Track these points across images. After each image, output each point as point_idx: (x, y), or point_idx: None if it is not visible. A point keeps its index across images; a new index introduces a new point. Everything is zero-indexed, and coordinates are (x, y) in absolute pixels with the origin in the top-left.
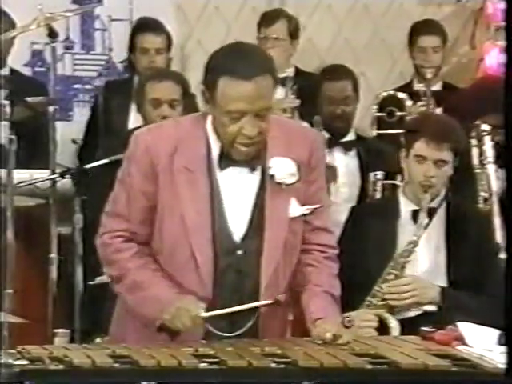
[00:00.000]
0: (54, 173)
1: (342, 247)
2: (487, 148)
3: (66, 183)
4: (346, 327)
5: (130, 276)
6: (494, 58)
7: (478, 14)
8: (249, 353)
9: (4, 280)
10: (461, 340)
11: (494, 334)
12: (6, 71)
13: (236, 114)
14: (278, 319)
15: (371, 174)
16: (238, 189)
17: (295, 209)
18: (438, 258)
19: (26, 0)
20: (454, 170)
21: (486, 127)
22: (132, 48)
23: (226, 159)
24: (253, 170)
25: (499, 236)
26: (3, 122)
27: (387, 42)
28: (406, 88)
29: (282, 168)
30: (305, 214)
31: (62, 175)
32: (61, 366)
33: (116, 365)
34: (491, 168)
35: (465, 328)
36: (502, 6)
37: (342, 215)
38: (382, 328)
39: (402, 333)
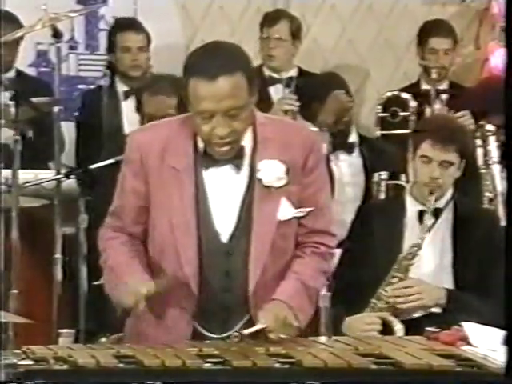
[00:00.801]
0: (58, 173)
1: (349, 247)
2: (492, 148)
3: (70, 183)
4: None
5: (109, 261)
6: (498, 59)
7: (483, 14)
8: (253, 353)
9: (9, 280)
10: (465, 340)
11: (499, 334)
12: (12, 73)
13: (206, 114)
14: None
15: (375, 175)
16: (224, 189)
17: (285, 211)
18: (443, 260)
19: (30, 0)
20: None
21: (490, 127)
22: (111, 48)
23: (210, 158)
24: (238, 169)
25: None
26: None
27: (391, 42)
28: (413, 88)
29: (270, 171)
30: (299, 217)
31: (67, 175)
32: (65, 366)
33: (120, 365)
34: (496, 168)
35: (469, 328)
36: None
37: (347, 215)
38: (387, 332)
39: (407, 333)
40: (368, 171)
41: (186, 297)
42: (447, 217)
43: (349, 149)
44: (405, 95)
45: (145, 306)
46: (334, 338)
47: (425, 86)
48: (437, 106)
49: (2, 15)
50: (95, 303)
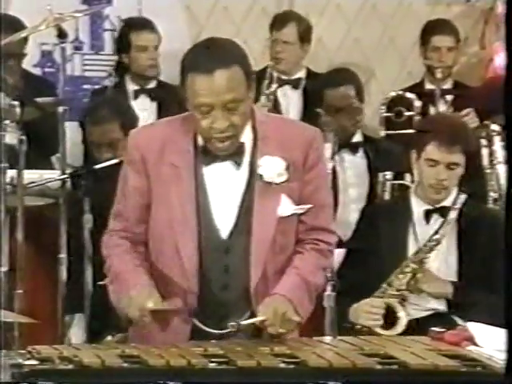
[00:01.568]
0: (63, 173)
1: (354, 247)
2: (497, 148)
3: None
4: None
5: (113, 268)
6: (503, 59)
7: (488, 14)
8: (258, 353)
9: (14, 280)
10: (471, 340)
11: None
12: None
13: (204, 108)
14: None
15: (380, 175)
16: (224, 185)
17: (285, 208)
18: (448, 259)
19: (35, 1)
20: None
21: (495, 127)
22: (123, 48)
23: (210, 155)
24: (238, 165)
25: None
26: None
27: (396, 41)
28: (417, 88)
29: (271, 167)
30: (298, 214)
31: (72, 176)
32: (70, 366)
33: (125, 364)
34: (501, 168)
35: (475, 328)
36: None
37: (351, 215)
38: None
39: (412, 333)
40: (372, 171)
41: (186, 293)
42: (453, 216)
43: (353, 149)
44: (409, 95)
45: (150, 319)
46: (339, 337)
47: (429, 86)
48: (441, 105)
49: (8, 21)
50: (100, 303)
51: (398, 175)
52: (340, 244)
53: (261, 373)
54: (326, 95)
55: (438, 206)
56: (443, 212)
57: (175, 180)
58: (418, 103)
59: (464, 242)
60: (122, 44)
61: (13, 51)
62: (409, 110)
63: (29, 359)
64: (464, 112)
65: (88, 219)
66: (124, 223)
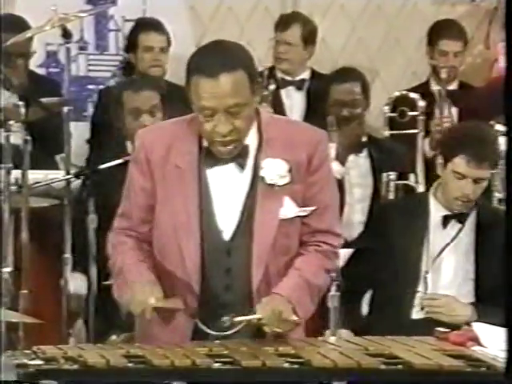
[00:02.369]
0: (68, 173)
1: (367, 245)
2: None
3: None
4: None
5: (117, 264)
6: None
7: (493, 14)
8: (262, 353)
9: (19, 280)
10: (476, 341)
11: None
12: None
13: (207, 112)
14: None
15: (384, 175)
16: (227, 187)
17: (288, 210)
18: (466, 264)
19: (40, 1)
20: None
21: (500, 127)
22: (131, 48)
23: (214, 157)
24: (242, 168)
25: None
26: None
27: (401, 41)
28: (422, 88)
29: (273, 169)
30: (302, 216)
31: (77, 176)
32: (75, 366)
33: (130, 364)
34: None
35: (480, 329)
36: None
37: (356, 215)
38: None
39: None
40: (376, 171)
41: (188, 294)
42: (471, 221)
43: (357, 149)
44: (413, 95)
45: (152, 315)
46: (344, 338)
47: (434, 86)
48: (446, 106)
49: (13, 20)
50: (105, 303)
51: (402, 175)
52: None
53: (265, 373)
54: (332, 90)
55: (456, 212)
56: (461, 218)
57: (179, 181)
58: (421, 103)
59: (481, 248)
60: (130, 44)
61: (19, 51)
62: (413, 110)
63: (34, 359)
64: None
65: (93, 219)
66: (129, 222)
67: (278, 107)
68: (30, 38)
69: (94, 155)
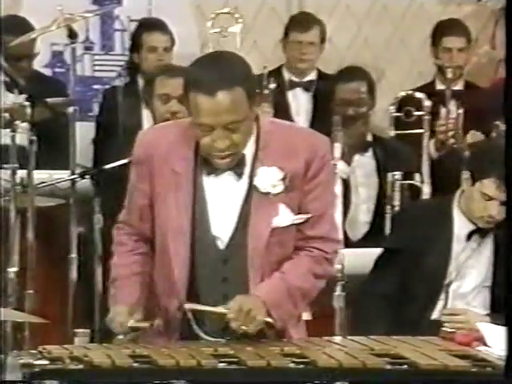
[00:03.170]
0: (73, 173)
1: (391, 246)
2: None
3: (85, 183)
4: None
5: (113, 271)
6: None
7: (499, 14)
8: (268, 353)
9: (24, 280)
10: (481, 341)
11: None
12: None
13: (205, 127)
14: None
15: (389, 175)
16: (224, 195)
17: (283, 218)
18: (484, 273)
19: (46, 1)
20: None
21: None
22: (135, 48)
23: (211, 165)
24: (239, 176)
25: None
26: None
27: (407, 41)
28: (428, 88)
29: (267, 178)
30: (297, 224)
31: (82, 175)
32: (81, 366)
33: (135, 364)
34: None
35: (485, 329)
36: None
37: (361, 215)
38: None
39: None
40: (381, 171)
41: (175, 300)
42: (491, 234)
43: (362, 149)
44: (419, 95)
45: (132, 335)
46: (349, 337)
47: (440, 86)
48: (451, 106)
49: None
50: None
51: (408, 175)
52: (349, 244)
53: (270, 373)
54: (337, 89)
55: (480, 226)
56: (484, 233)
57: (174, 186)
58: (427, 103)
59: (499, 253)
60: (135, 44)
61: (23, 52)
62: (418, 110)
63: (39, 359)
64: None
65: (98, 219)
66: (128, 216)
67: (284, 109)
68: (34, 39)
69: (99, 155)
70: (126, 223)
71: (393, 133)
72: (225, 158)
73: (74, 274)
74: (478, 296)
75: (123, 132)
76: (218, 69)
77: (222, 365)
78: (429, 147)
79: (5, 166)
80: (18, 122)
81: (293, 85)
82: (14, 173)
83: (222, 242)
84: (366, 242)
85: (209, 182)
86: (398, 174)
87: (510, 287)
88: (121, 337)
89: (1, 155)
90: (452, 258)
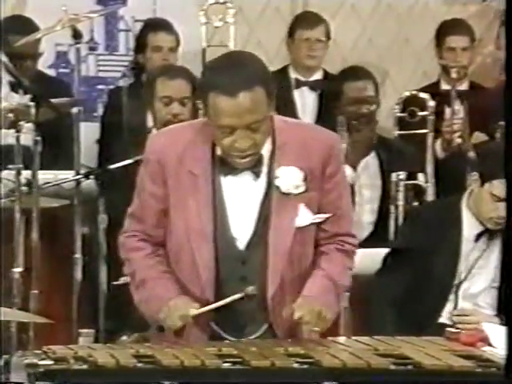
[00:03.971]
0: (78, 173)
1: (400, 246)
2: None
3: (90, 184)
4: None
5: (138, 274)
6: None
7: (504, 14)
8: (272, 353)
9: (29, 280)
10: (486, 341)
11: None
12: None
13: (227, 129)
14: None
15: (393, 175)
16: (242, 196)
17: (304, 218)
18: (497, 274)
19: (50, 1)
20: None
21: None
22: (140, 48)
23: (228, 165)
24: (257, 176)
25: None
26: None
27: (411, 41)
28: (433, 88)
29: (288, 179)
30: (318, 223)
31: (87, 176)
32: (85, 366)
33: (140, 365)
34: None
35: (490, 329)
36: None
37: (365, 216)
38: None
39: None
40: (385, 171)
41: (201, 301)
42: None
43: (367, 151)
44: (423, 95)
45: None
46: (354, 338)
47: (445, 86)
48: (456, 106)
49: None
50: (115, 303)
51: (412, 175)
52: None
53: (275, 373)
54: (345, 88)
55: (490, 227)
56: (493, 234)
57: (193, 188)
58: (431, 103)
59: (507, 254)
60: (140, 44)
61: (27, 52)
62: (423, 110)
63: (44, 359)
64: None
65: (103, 219)
66: (142, 225)
67: (290, 108)
68: (39, 39)
69: (104, 155)
70: (139, 232)
71: (397, 133)
72: (245, 158)
73: (78, 274)
74: (487, 297)
75: (128, 132)
76: (237, 69)
77: (226, 365)
78: (433, 147)
79: (9, 166)
80: (22, 123)
81: (299, 84)
82: (18, 173)
83: (241, 242)
84: (370, 242)
85: (226, 183)
86: (402, 174)
87: (510, 287)
88: (125, 337)
89: (4, 156)
90: (461, 259)
